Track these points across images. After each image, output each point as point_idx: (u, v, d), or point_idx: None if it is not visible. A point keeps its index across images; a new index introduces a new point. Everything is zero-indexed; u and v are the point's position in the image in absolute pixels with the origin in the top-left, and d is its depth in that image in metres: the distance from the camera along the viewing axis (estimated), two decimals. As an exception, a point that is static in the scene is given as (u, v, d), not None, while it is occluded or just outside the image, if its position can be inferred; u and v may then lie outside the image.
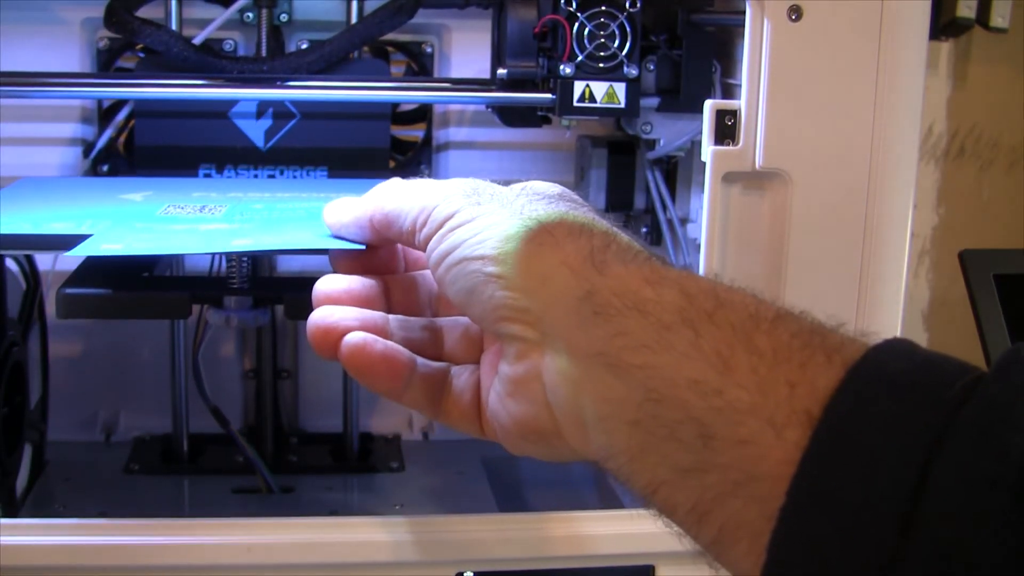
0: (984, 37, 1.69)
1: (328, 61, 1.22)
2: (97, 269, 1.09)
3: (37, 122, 1.33)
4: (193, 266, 1.35)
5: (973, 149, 1.79)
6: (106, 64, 1.32)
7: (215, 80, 1.19)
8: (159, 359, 1.37)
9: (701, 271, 1.00)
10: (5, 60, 1.27)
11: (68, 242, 0.94)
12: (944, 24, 1.64)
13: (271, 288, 1.13)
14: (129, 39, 1.24)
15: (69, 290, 1.02)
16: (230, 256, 1.10)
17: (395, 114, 1.38)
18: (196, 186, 1.18)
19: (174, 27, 1.24)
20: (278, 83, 1.19)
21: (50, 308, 1.32)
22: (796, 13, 0.95)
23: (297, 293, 1.08)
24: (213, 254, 1.22)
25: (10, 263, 1.18)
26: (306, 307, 1.07)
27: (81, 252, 0.91)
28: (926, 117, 1.71)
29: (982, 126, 1.79)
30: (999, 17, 1.61)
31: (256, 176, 1.32)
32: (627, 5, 1.13)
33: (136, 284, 1.08)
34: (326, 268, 1.23)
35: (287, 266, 1.39)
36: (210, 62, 1.20)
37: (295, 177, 1.32)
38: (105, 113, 1.34)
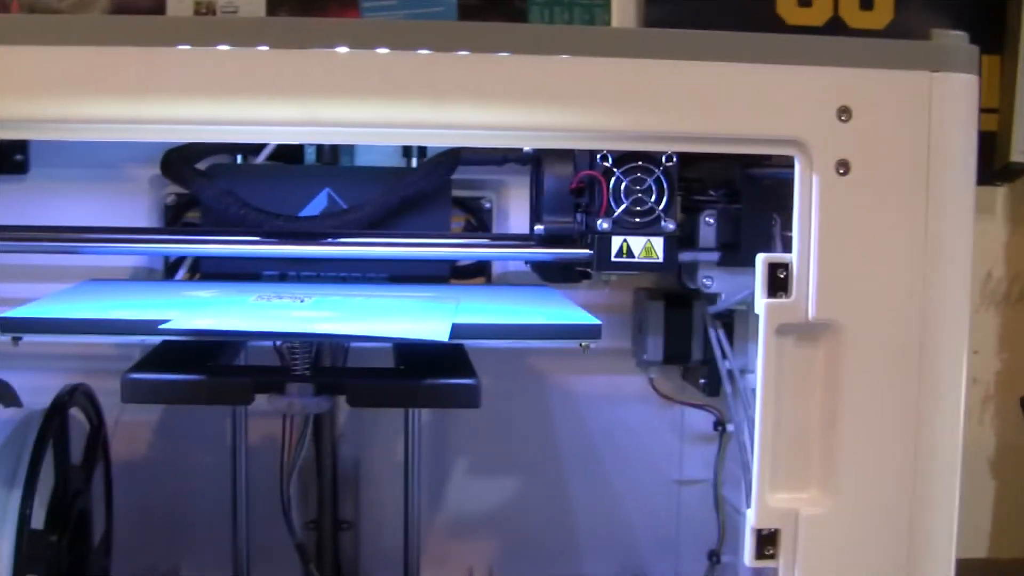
0: (1039, 180, 1.70)
1: (371, 220, 1.24)
2: (162, 358, 1.11)
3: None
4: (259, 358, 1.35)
5: (1033, 293, 1.78)
6: (173, 219, 1.36)
7: (272, 238, 1.21)
8: (220, 507, 1.37)
9: (758, 421, 1.00)
10: (75, 216, 1.33)
11: (135, 328, 0.98)
12: (999, 169, 1.65)
13: (333, 376, 1.13)
14: (188, 193, 1.26)
15: (133, 375, 1.03)
16: (293, 344, 1.09)
17: (455, 268, 1.39)
18: (261, 288, 1.18)
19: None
20: (331, 240, 1.21)
21: (114, 446, 1.34)
22: (844, 168, 0.96)
23: (360, 381, 1.09)
24: (277, 342, 1.21)
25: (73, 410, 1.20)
26: (367, 395, 1.07)
27: (174, 327, 0.93)
28: (984, 262, 1.70)
29: (1041, 269, 1.78)
30: (1052, 160, 1.62)
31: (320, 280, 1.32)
32: (663, 160, 1.12)
33: (199, 371, 1.07)
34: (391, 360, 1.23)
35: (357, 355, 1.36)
36: (266, 221, 1.22)
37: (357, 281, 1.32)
38: (171, 267, 1.37)
